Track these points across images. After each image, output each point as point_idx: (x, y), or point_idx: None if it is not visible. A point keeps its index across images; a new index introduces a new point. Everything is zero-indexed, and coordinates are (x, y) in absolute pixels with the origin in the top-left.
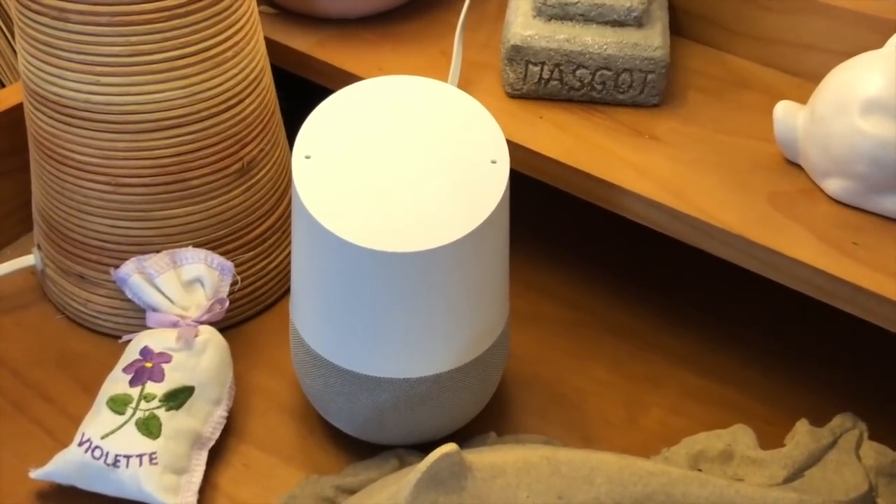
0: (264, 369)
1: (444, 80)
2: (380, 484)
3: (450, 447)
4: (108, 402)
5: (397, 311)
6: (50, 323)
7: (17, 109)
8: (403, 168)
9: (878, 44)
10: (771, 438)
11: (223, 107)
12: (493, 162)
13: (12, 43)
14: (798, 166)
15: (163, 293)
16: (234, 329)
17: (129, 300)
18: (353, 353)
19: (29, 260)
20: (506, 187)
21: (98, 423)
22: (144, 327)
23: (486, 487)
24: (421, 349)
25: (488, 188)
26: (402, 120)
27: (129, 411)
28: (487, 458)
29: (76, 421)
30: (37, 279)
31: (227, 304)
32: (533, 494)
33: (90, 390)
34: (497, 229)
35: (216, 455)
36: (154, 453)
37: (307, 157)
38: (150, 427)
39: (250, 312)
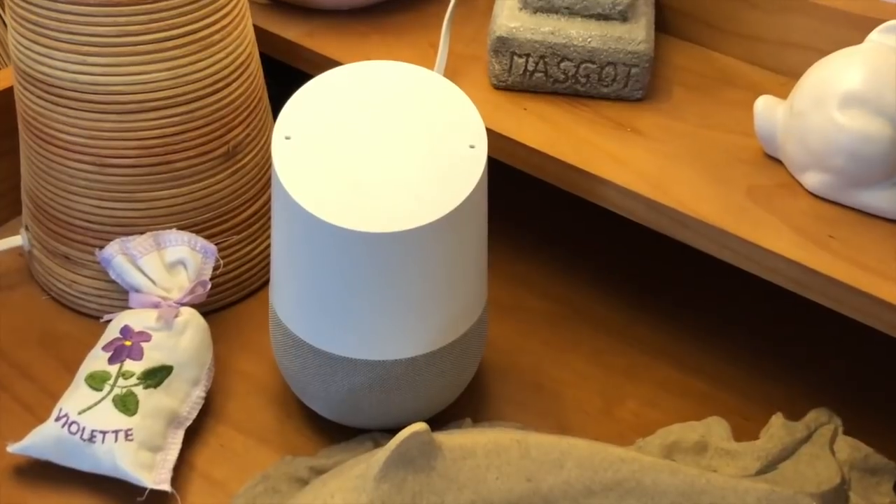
0: (245, 354)
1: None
2: (350, 463)
3: (419, 426)
4: (86, 379)
5: (373, 292)
6: (35, 303)
7: (7, 93)
8: (382, 150)
9: (860, 41)
10: (746, 432)
11: (209, 90)
12: (472, 147)
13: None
14: (778, 161)
15: (146, 274)
16: (217, 313)
17: (113, 282)
18: (329, 335)
19: (16, 241)
20: (483, 171)
21: (76, 398)
22: (128, 309)
23: (456, 468)
24: (396, 331)
25: (466, 172)
26: (383, 103)
27: (107, 388)
28: (458, 439)
29: (57, 399)
30: (24, 260)
31: (209, 286)
32: (502, 476)
33: (72, 369)
34: (474, 213)
35: (193, 435)
36: (130, 430)
37: (287, 138)
38: (126, 404)
39: (233, 297)
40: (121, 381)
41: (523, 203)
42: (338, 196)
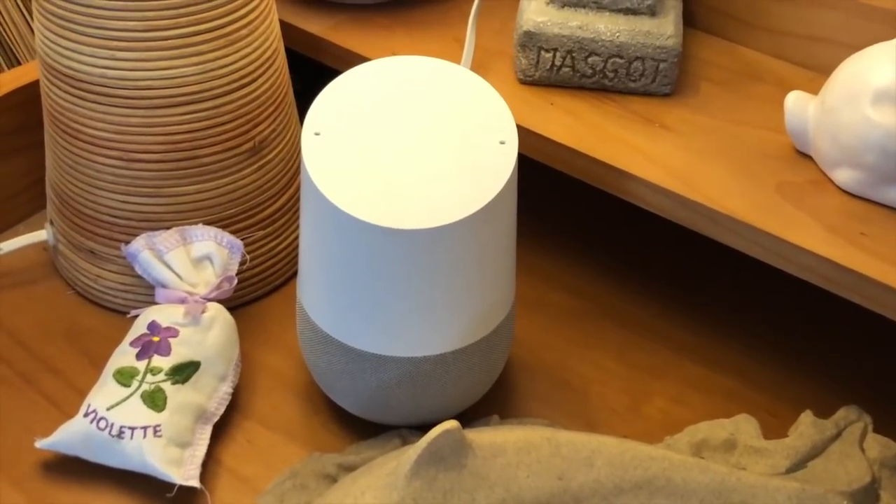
0: (272, 349)
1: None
2: (381, 460)
3: (451, 424)
4: (114, 375)
5: (402, 288)
6: (60, 298)
7: (32, 87)
8: (412, 146)
9: (892, 36)
10: (775, 429)
11: (236, 85)
12: (502, 142)
13: (29, 21)
14: (808, 157)
15: (172, 270)
16: (242, 308)
17: (138, 276)
18: (358, 331)
19: (41, 235)
20: (513, 168)
21: (104, 394)
22: (153, 304)
23: (487, 466)
24: (425, 328)
25: (496, 168)
26: (412, 99)
27: (135, 384)
28: (488, 436)
29: (83, 394)
30: (49, 255)
31: (236, 282)
32: (533, 474)
33: (98, 364)
34: (504, 209)
35: (220, 431)
36: (158, 426)
37: (317, 134)
38: (155, 400)
39: (260, 292)
40: (149, 377)
41: (549, 199)
42: (368, 192)
